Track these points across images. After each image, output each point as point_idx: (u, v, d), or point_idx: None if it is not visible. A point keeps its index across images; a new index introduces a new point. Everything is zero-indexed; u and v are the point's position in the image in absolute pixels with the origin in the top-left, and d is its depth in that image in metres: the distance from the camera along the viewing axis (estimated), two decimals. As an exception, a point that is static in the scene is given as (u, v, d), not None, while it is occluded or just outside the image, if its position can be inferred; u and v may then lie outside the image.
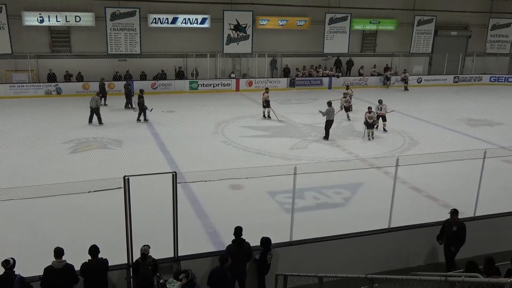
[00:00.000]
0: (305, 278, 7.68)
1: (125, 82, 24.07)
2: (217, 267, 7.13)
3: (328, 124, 17.82)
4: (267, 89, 21.49)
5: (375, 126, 18.60)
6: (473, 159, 10.37)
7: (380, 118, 19.34)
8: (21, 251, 8.83)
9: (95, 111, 19.15)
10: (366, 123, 17.97)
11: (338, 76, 30.97)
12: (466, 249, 9.07)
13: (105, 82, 23.86)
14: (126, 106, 22.54)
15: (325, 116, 17.74)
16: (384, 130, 19.20)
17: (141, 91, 19.93)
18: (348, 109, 21.34)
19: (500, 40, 34.89)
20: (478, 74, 34.44)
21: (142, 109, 19.74)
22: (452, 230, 8.80)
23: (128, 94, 22.63)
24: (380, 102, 19.73)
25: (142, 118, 19.85)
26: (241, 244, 7.67)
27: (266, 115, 21.09)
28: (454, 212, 8.92)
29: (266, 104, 20.99)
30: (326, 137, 17.88)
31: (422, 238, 9.44)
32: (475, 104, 26.16)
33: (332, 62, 31.87)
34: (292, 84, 29.01)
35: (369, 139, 17.84)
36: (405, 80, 30.56)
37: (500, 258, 7.71)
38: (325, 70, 31.03)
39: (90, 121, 19.20)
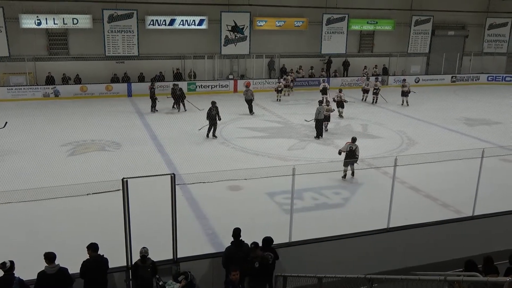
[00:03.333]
0: (305, 279, 7.68)
1: (173, 85, 23.92)
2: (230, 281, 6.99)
3: (318, 123, 17.94)
4: (340, 90, 22.68)
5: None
6: (471, 159, 10.39)
7: (338, 105, 21.81)
8: (20, 254, 8.80)
9: (249, 102, 21.65)
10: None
11: (336, 76, 31.03)
12: (464, 248, 9.10)
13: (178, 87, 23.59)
14: (173, 106, 22.99)
15: (314, 115, 18.16)
16: (341, 116, 21.33)
17: (213, 102, 18.02)
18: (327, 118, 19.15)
19: (497, 40, 34.95)
20: (475, 74, 34.50)
21: (213, 125, 17.80)
22: (255, 266, 7.50)
23: (179, 96, 22.71)
24: (339, 91, 22.40)
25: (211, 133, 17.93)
26: (240, 245, 7.67)
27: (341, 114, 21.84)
28: (255, 246, 7.60)
29: (339, 104, 21.90)
30: (317, 136, 18.04)
31: (421, 238, 9.45)
32: (472, 104, 26.21)
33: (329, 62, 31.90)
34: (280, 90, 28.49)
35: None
36: (405, 93, 24.95)
37: (499, 257, 7.72)
38: (311, 70, 30.92)
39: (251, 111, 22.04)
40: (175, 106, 22.80)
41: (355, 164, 13.72)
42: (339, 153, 13.97)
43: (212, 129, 17.81)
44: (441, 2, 32.16)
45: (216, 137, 17.83)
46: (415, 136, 18.62)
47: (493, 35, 34.97)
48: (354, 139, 13.85)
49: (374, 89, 25.56)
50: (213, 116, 17.68)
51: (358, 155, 13.58)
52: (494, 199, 11.68)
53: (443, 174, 13.80)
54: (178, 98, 22.48)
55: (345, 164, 13.69)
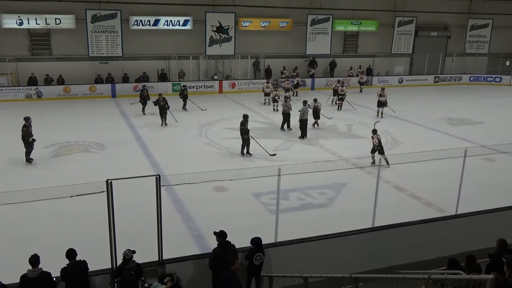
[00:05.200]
0: (290, 279, 7.70)
1: (183, 86, 24.00)
2: (227, 270, 7.00)
3: (302, 123, 18.01)
4: (339, 81, 24.69)
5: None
6: (454, 158, 10.53)
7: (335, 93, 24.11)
8: (2, 258, 8.70)
9: (287, 117, 19.12)
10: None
11: (311, 73, 31.12)
12: (448, 247, 9.21)
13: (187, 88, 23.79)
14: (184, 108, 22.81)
15: (299, 116, 18.21)
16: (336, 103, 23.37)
17: (246, 116, 16.03)
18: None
19: (479, 41, 35.48)
20: (458, 74, 34.96)
21: (247, 140, 15.93)
22: None
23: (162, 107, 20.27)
24: (338, 81, 24.57)
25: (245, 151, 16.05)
26: (226, 246, 7.65)
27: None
28: None
29: (335, 93, 24.26)
30: (302, 136, 18.10)
31: (405, 237, 9.54)
32: (455, 104, 26.54)
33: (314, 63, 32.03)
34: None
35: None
36: (382, 103, 22.23)
37: (481, 256, 7.83)
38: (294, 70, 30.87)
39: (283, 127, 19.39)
40: (163, 119, 19.89)
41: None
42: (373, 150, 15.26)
43: (246, 145, 15.93)
44: (423, 3, 32.55)
45: (251, 154, 15.93)
46: (399, 136, 18.79)
47: (474, 36, 35.49)
48: (375, 131, 15.27)
49: (340, 94, 23.87)
50: (246, 131, 15.80)
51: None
52: (477, 197, 11.83)
53: (427, 174, 13.95)
54: (162, 108, 19.76)
55: (373, 151, 15.17)
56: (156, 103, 19.83)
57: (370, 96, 26.77)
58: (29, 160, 14.74)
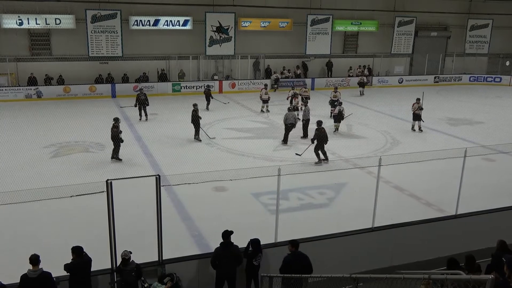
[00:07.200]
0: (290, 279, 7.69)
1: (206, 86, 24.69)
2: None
3: (305, 124, 18.08)
4: (335, 89, 22.67)
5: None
6: (454, 158, 10.53)
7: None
8: (2, 258, 8.70)
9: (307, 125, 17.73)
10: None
11: (297, 73, 31.08)
12: (448, 247, 9.21)
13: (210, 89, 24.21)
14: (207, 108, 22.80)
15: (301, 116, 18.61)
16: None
17: (319, 122, 15.32)
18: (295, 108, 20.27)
19: (479, 41, 35.50)
20: (457, 74, 34.97)
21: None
22: None
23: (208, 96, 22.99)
24: (362, 73, 25.40)
25: None
26: (228, 247, 7.62)
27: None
28: None
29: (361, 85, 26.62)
30: (304, 136, 18.05)
31: (405, 237, 9.54)
32: (455, 104, 26.54)
33: (314, 63, 32.02)
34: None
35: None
36: (418, 116, 19.57)
37: (481, 256, 7.83)
38: (288, 72, 30.84)
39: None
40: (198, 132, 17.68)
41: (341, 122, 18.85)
42: (334, 115, 19.12)
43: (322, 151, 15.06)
44: (423, 3, 32.58)
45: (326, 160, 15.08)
46: (398, 136, 18.79)
47: (474, 36, 35.51)
48: (340, 103, 19.57)
49: (332, 100, 21.96)
50: (323, 137, 15.01)
51: (344, 114, 18.96)
52: (477, 198, 11.84)
53: (427, 174, 13.95)
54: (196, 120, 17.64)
55: (335, 121, 18.80)
56: (195, 116, 17.50)
57: (371, 96, 26.83)
58: (117, 158, 14.95)
